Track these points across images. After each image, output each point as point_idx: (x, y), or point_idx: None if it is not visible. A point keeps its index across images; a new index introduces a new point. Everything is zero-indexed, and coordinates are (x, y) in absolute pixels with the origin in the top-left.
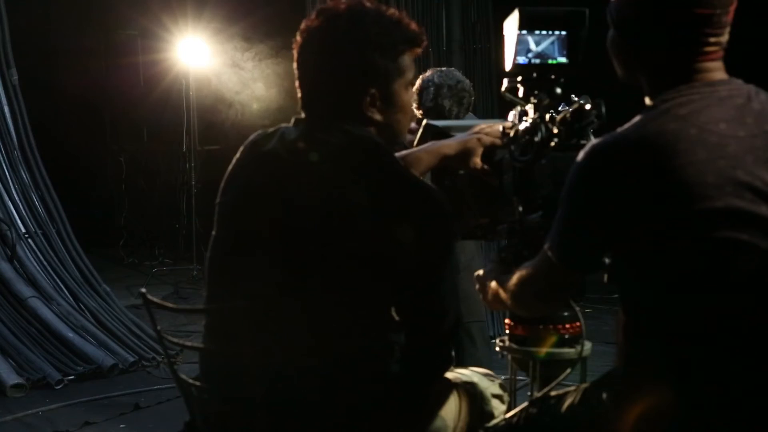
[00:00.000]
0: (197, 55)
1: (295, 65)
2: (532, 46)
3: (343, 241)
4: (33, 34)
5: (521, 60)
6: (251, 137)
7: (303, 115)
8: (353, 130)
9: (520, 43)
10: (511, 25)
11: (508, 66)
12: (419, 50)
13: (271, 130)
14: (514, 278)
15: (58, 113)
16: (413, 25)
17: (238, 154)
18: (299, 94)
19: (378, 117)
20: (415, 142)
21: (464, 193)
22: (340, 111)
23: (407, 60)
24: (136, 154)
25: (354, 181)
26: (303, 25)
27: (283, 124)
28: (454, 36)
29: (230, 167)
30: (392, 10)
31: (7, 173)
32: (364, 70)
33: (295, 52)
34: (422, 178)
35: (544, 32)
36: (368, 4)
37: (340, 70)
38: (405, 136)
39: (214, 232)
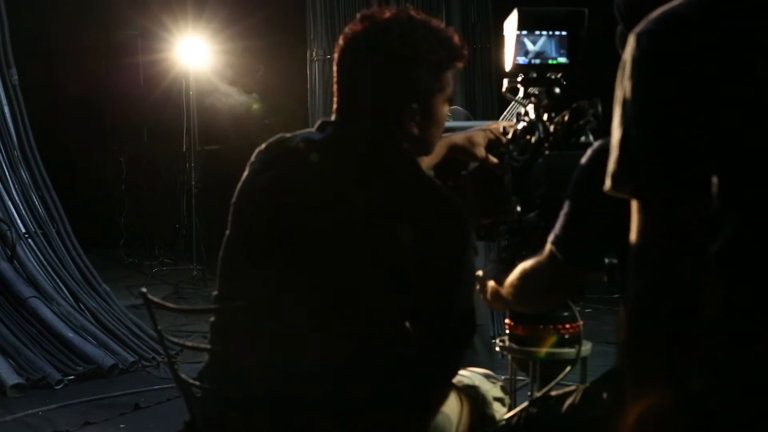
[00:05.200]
0: (197, 55)
1: (335, 68)
2: (532, 46)
3: (355, 244)
4: (33, 34)
5: (521, 60)
6: (270, 140)
7: (333, 119)
8: (378, 136)
9: (520, 43)
10: (510, 25)
11: (508, 66)
12: (462, 64)
13: (289, 134)
14: (516, 272)
15: (58, 113)
16: (457, 39)
17: (252, 158)
18: (335, 98)
19: (415, 131)
20: None
21: (466, 194)
22: (376, 120)
23: (450, 76)
24: (136, 154)
25: (371, 184)
26: (348, 30)
27: (306, 130)
28: None
29: (247, 169)
30: (437, 22)
31: (7, 173)
32: (409, 86)
33: (336, 55)
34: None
35: (543, 32)
36: (416, 16)
37: (384, 84)
38: (434, 148)
39: (227, 232)
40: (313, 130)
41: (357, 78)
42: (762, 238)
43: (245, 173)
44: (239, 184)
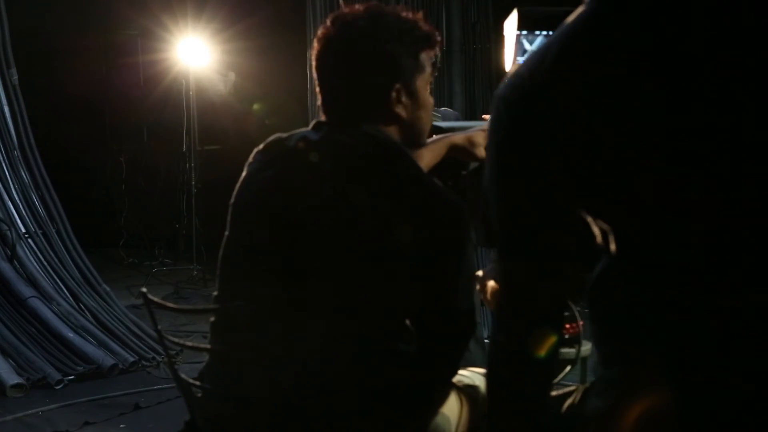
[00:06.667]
0: (197, 55)
1: (314, 71)
2: (532, 46)
3: (355, 244)
4: (33, 34)
5: (521, 60)
6: (268, 140)
7: (323, 119)
8: (372, 132)
9: (520, 43)
10: (510, 25)
11: (508, 66)
12: (434, 52)
13: (286, 134)
14: None
15: (58, 113)
16: (429, 27)
17: (250, 159)
18: (319, 99)
19: (404, 114)
20: None
21: (467, 194)
22: (365, 111)
23: (426, 58)
24: (136, 154)
25: (370, 183)
26: (320, 32)
27: (302, 129)
28: (454, 36)
29: (245, 169)
30: (407, 12)
31: (7, 173)
32: (389, 65)
33: (313, 59)
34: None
35: (543, 32)
36: (386, 7)
37: (364, 69)
38: (426, 136)
39: (226, 233)
40: (309, 129)
41: (337, 74)
42: (618, 277)
43: (243, 174)
44: (237, 185)
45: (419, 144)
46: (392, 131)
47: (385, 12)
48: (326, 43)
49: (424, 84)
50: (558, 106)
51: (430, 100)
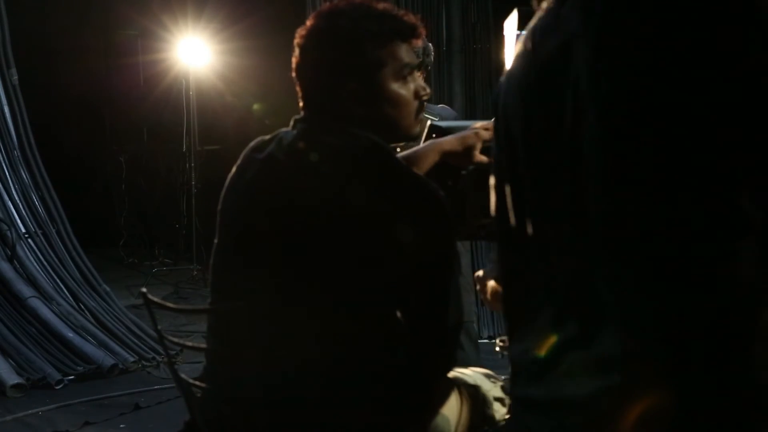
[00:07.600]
0: (197, 55)
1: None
2: None
3: (342, 242)
4: (33, 34)
5: None
6: (250, 144)
7: (302, 116)
8: (350, 129)
9: None
10: (510, 25)
11: (508, 66)
12: (409, 44)
13: (269, 136)
14: None
15: (58, 113)
16: (404, 17)
17: (238, 162)
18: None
19: (361, 112)
20: (421, 143)
21: (466, 193)
22: (329, 110)
23: (396, 49)
24: (136, 154)
25: (351, 181)
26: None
27: (282, 129)
28: (454, 36)
29: (230, 175)
30: (385, 5)
31: (7, 173)
32: (339, 64)
33: (293, 57)
34: (425, 177)
35: None
36: (356, 1)
37: (320, 69)
38: (411, 131)
39: (216, 240)
40: (288, 129)
41: (303, 71)
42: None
43: (227, 180)
44: (222, 192)
45: (404, 138)
46: (368, 129)
47: (345, 9)
48: (298, 41)
49: (390, 78)
50: (506, 116)
51: (405, 93)
